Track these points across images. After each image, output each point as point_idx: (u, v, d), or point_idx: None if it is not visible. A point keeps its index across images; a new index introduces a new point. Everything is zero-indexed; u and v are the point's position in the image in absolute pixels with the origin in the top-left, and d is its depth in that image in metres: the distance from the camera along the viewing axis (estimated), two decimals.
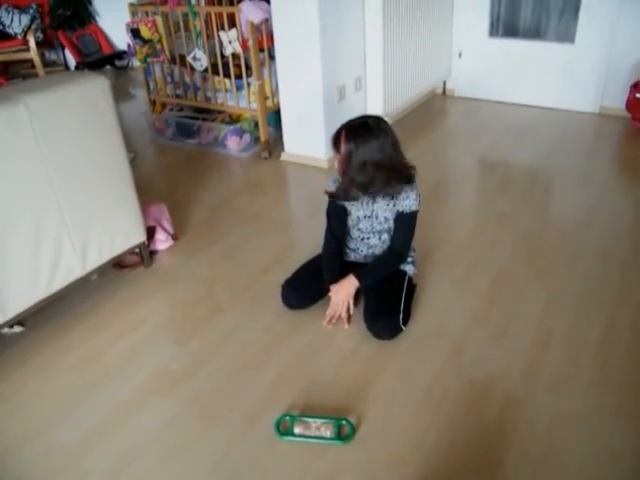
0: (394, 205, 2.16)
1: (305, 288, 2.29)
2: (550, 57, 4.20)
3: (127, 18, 4.00)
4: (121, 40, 5.99)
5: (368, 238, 2.29)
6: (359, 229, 2.28)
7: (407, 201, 2.13)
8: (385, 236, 2.27)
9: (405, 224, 2.19)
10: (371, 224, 2.24)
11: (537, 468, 1.62)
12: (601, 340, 2.08)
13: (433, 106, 4.55)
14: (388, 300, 2.16)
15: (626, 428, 1.73)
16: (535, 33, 4.25)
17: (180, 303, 2.43)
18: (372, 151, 2.01)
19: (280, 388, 1.95)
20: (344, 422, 1.77)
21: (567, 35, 4.12)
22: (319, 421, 1.76)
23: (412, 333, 2.15)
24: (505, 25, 4.34)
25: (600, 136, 3.89)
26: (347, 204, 2.24)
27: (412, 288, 2.30)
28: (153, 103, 4.13)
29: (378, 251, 2.30)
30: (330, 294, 2.19)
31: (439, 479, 1.61)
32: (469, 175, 3.51)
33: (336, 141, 2.06)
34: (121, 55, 6.16)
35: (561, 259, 2.55)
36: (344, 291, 2.16)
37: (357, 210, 2.23)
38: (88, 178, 2.24)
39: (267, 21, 3.33)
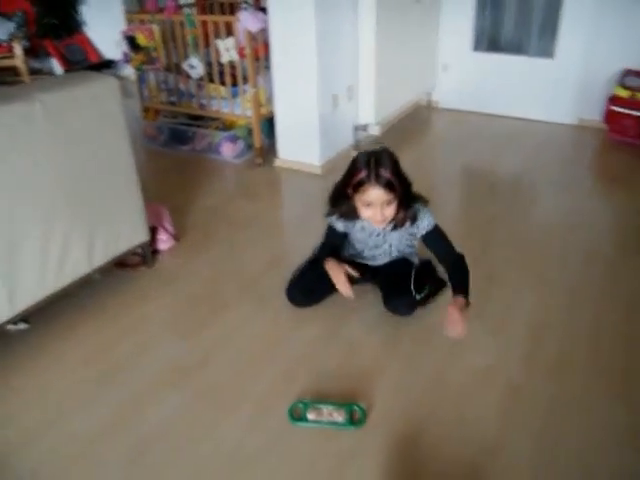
0: (415, 233, 2.16)
1: (312, 288, 2.35)
2: (531, 71, 4.39)
3: (115, 27, 4.07)
4: (108, 49, 6.02)
5: (373, 257, 2.36)
6: (363, 250, 2.33)
7: (425, 221, 2.12)
8: (393, 250, 2.31)
9: (438, 238, 2.16)
10: (378, 248, 2.30)
11: (535, 447, 1.72)
12: (592, 330, 2.20)
13: (419, 117, 4.68)
14: (400, 280, 2.24)
15: (617, 407, 1.85)
16: (517, 48, 4.43)
17: (185, 300, 2.47)
18: (406, 177, 2.02)
19: (290, 378, 2.01)
20: (356, 407, 1.84)
21: (547, 50, 4.31)
22: (331, 407, 1.83)
23: (414, 328, 2.24)
24: (489, 40, 4.52)
25: (579, 146, 4.07)
26: (358, 233, 2.25)
27: (436, 280, 2.37)
28: (145, 110, 4.18)
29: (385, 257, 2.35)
30: (449, 322, 1.96)
31: (447, 458, 1.70)
32: (457, 182, 3.64)
33: (388, 183, 1.93)
34: (109, 64, 6.19)
35: (550, 258, 2.68)
36: (462, 315, 1.97)
37: (367, 237, 2.26)
38: (96, 176, 2.28)
39: (263, 30, 3.43)
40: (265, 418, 1.86)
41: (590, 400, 1.89)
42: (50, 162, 2.08)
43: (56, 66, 6.23)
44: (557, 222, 3.01)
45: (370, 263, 2.38)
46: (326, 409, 1.83)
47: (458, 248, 2.19)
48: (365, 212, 2.02)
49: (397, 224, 2.10)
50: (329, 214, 2.21)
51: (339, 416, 1.80)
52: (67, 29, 6.02)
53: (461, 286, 2.07)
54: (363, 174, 1.93)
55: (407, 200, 2.03)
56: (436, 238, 2.15)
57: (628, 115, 3.87)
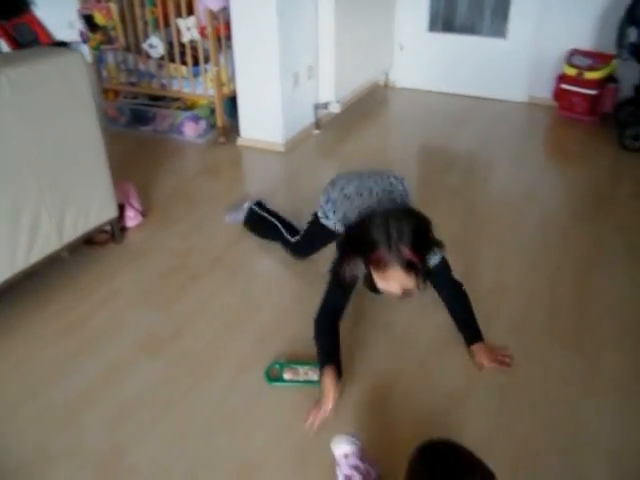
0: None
1: (314, 251, 2.42)
2: (484, 51, 4.52)
3: (66, 7, 4.01)
4: (60, 30, 5.88)
5: None
6: None
7: (433, 260, 1.88)
8: None
9: (442, 273, 1.98)
10: None
11: (502, 397, 1.85)
12: (547, 288, 2.35)
13: (377, 96, 4.78)
14: None
15: (573, 357, 2.01)
16: (471, 29, 4.56)
17: (155, 274, 2.51)
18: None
19: (265, 342, 2.09)
20: None
21: (499, 31, 4.45)
22: (306, 367, 1.92)
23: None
24: (443, 21, 4.63)
25: (531, 123, 4.25)
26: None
27: None
28: (105, 91, 4.14)
29: None
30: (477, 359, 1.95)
31: (417, 408, 1.81)
32: (416, 157, 3.76)
33: (405, 264, 1.68)
34: (61, 46, 6.05)
35: (507, 226, 2.82)
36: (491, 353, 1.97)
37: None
38: (64, 152, 2.29)
39: (225, 9, 3.44)
40: (242, 381, 1.93)
41: (547, 353, 2.03)
42: (17, 137, 2.08)
43: (4, 47, 6.05)
44: (512, 193, 3.16)
45: None
46: (302, 369, 1.91)
47: (456, 275, 2.06)
48: (381, 283, 1.76)
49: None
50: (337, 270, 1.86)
51: (314, 374, 1.89)
52: (14, 8, 5.84)
53: (476, 330, 2.00)
54: (384, 255, 1.67)
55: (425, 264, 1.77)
56: (441, 273, 1.96)
57: (576, 92, 4.04)
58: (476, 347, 1.97)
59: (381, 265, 1.68)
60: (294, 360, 1.97)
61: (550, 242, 2.67)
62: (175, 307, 2.29)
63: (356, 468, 1.48)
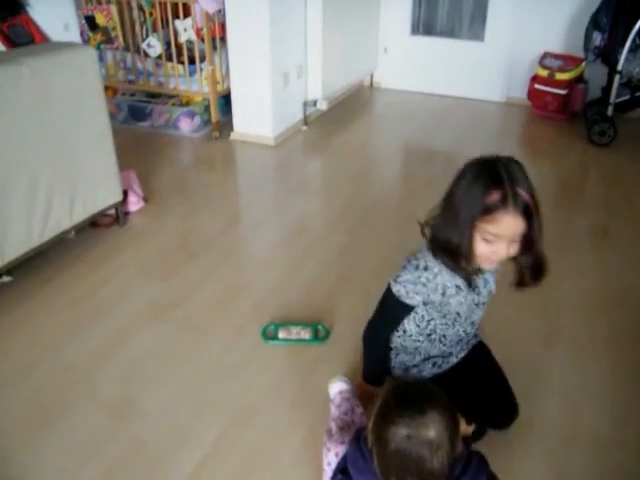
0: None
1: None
2: (463, 53, 4.80)
3: (61, 10, 4.20)
4: (54, 32, 6.06)
5: (458, 351, 1.71)
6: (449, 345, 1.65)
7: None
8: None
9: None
10: (473, 327, 1.68)
11: None
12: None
13: (363, 96, 5.03)
14: (498, 383, 1.73)
15: (539, 320, 2.23)
16: (450, 32, 4.84)
17: (157, 252, 2.72)
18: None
19: (261, 307, 2.31)
20: (320, 326, 2.16)
21: (477, 34, 4.74)
22: (299, 327, 2.14)
23: (367, 266, 2.56)
24: (425, 25, 4.91)
25: (507, 121, 4.52)
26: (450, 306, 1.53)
27: None
28: (104, 89, 4.33)
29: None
30: None
31: None
32: (398, 152, 4.01)
33: (519, 204, 1.33)
34: None
35: None
36: None
37: (468, 309, 1.57)
38: (77, 137, 2.50)
39: (220, 12, 3.68)
40: (240, 340, 2.15)
41: (513, 317, 2.26)
42: (36, 121, 2.29)
43: (1, 48, 6.22)
44: None
45: (441, 368, 1.70)
46: (295, 329, 2.13)
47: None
48: (482, 247, 1.38)
49: (522, 276, 1.52)
50: (402, 281, 1.50)
51: (306, 334, 2.11)
52: (10, 9, 6.00)
53: None
54: (496, 196, 1.31)
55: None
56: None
57: (547, 92, 4.32)
58: None
59: (492, 214, 1.32)
60: (288, 321, 2.19)
61: None
62: (176, 280, 2.50)
63: (347, 400, 1.70)
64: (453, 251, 1.41)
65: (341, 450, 1.51)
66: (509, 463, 1.64)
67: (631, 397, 1.90)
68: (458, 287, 1.50)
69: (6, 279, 2.52)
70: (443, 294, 1.49)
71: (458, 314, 1.57)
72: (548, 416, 1.82)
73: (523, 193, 1.34)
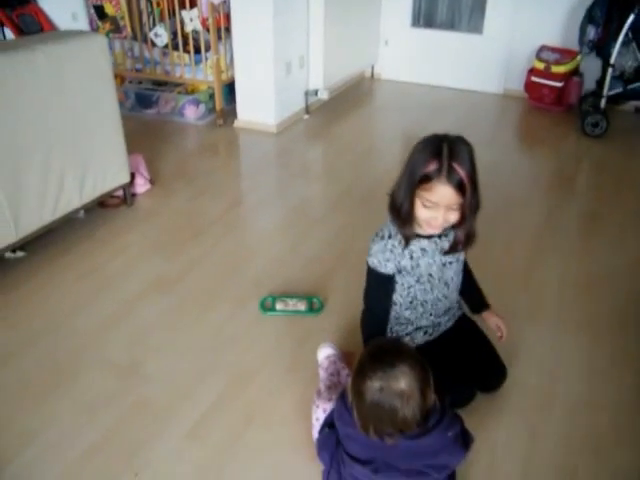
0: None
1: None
2: (462, 45, 4.91)
3: (70, 0, 4.33)
4: (62, 21, 6.19)
5: (439, 321, 1.86)
6: (427, 308, 1.80)
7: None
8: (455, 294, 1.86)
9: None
10: (446, 299, 1.82)
11: None
12: (501, 254, 2.71)
13: (363, 87, 5.16)
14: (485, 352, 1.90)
15: (521, 295, 2.36)
16: (450, 25, 4.95)
17: (163, 230, 2.86)
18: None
19: (260, 282, 2.44)
20: (315, 299, 2.29)
21: (476, 27, 4.85)
22: (295, 299, 2.27)
23: (360, 244, 2.69)
24: (425, 17, 5.02)
25: (503, 112, 4.64)
26: (418, 268, 1.69)
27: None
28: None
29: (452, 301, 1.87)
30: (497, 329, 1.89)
31: None
32: (396, 140, 4.13)
33: (460, 184, 1.50)
34: None
35: None
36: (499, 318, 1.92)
37: (435, 268, 1.72)
38: (88, 119, 2.63)
39: (225, 2, 3.80)
40: (240, 311, 2.29)
41: (497, 291, 2.39)
42: (50, 104, 2.42)
43: (11, 35, 6.35)
44: (483, 170, 3.47)
45: (432, 336, 1.87)
46: (291, 301, 2.27)
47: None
48: (422, 212, 1.56)
49: (456, 244, 1.68)
50: (373, 253, 1.68)
51: (302, 306, 2.25)
52: None
53: (481, 298, 1.96)
54: (433, 166, 1.49)
55: (476, 199, 1.59)
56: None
57: (544, 84, 4.43)
58: (487, 314, 1.94)
59: (429, 183, 1.50)
60: (285, 294, 2.33)
61: (508, 213, 3.04)
62: (181, 256, 2.64)
63: (334, 363, 1.84)
64: (399, 213, 1.59)
65: (329, 407, 1.65)
66: (485, 423, 1.77)
67: (608, 367, 2.03)
68: (423, 249, 1.67)
69: (20, 254, 2.66)
70: (411, 257, 1.67)
71: (430, 275, 1.72)
72: (526, 384, 1.95)
73: (459, 168, 1.49)
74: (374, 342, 1.47)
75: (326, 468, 1.53)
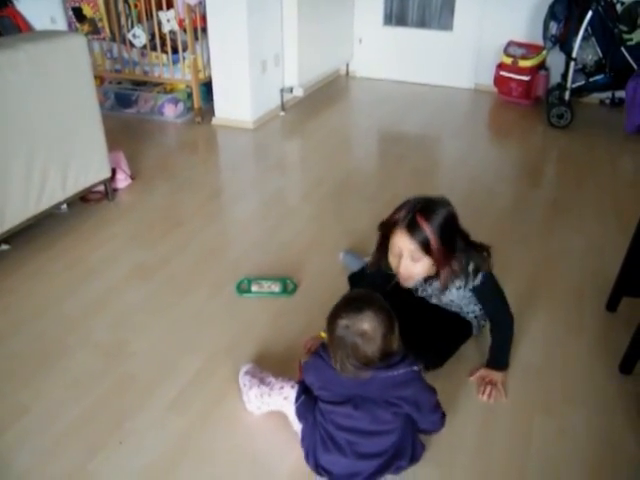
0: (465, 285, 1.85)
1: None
2: (434, 42, 5.08)
3: (48, 4, 4.42)
4: (41, 25, 6.24)
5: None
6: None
7: (477, 279, 1.83)
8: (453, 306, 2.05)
9: (488, 293, 1.89)
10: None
11: None
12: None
13: (338, 84, 5.31)
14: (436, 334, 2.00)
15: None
16: (421, 23, 5.13)
17: (144, 223, 2.97)
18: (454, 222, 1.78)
19: (237, 266, 2.57)
20: (288, 281, 2.42)
21: (447, 24, 5.02)
22: (270, 281, 2.40)
23: (337, 230, 2.83)
24: (397, 16, 5.19)
25: (474, 106, 4.81)
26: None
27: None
28: None
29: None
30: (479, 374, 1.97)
31: None
32: (371, 134, 4.28)
33: (411, 226, 1.68)
34: None
35: (442, 184, 3.35)
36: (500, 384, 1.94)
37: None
38: (69, 118, 2.74)
39: (201, 4, 3.92)
40: (218, 293, 2.41)
41: None
42: (32, 102, 2.53)
43: None
44: (452, 160, 3.71)
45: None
46: (266, 283, 2.40)
47: (512, 308, 1.98)
48: (391, 258, 1.78)
49: (443, 285, 1.81)
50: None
51: (276, 287, 2.38)
52: None
53: (500, 356, 1.96)
54: (399, 214, 1.71)
55: (448, 258, 1.73)
56: (485, 292, 1.87)
57: (512, 79, 4.60)
58: (492, 370, 1.96)
59: (394, 229, 1.72)
60: (260, 276, 2.46)
61: (477, 196, 3.20)
62: (161, 246, 2.76)
63: (254, 376, 1.90)
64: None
65: (286, 384, 1.79)
66: (444, 383, 1.91)
67: (561, 334, 2.19)
68: None
69: (5, 247, 2.76)
70: None
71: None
72: (485, 352, 2.10)
73: (424, 224, 1.67)
74: (352, 291, 1.73)
75: (306, 426, 1.66)
